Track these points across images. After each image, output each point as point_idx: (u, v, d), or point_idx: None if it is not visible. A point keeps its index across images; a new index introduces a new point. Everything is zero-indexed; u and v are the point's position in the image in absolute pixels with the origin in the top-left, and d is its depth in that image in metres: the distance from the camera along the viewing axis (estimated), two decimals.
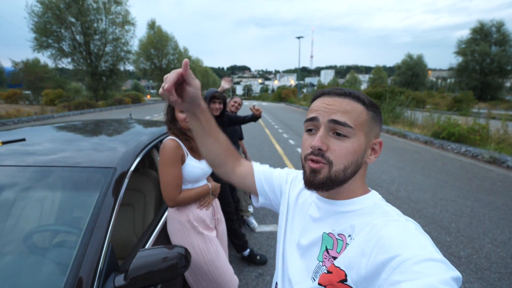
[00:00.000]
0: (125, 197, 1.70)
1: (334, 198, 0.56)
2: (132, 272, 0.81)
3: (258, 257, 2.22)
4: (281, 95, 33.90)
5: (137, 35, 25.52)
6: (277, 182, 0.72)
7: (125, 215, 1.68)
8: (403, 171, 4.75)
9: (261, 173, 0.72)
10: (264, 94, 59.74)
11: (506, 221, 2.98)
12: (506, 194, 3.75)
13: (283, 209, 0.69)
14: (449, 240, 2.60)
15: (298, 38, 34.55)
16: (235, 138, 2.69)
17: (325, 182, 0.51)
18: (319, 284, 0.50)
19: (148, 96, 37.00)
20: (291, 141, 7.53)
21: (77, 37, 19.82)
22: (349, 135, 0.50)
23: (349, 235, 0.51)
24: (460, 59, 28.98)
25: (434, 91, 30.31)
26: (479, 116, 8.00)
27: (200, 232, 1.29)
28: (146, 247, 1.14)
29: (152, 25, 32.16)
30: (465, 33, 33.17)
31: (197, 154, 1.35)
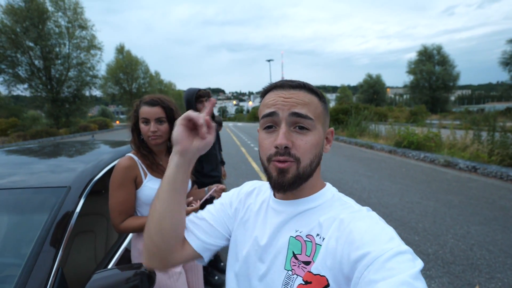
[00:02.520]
0: (86, 222, 1.59)
1: (296, 197, 0.52)
2: None
3: (216, 277, 2.10)
4: (256, 115, 34.87)
5: (104, 60, 24.51)
6: (221, 219, 0.61)
7: (85, 242, 1.53)
8: (372, 179, 5.03)
9: (202, 231, 0.59)
10: (240, 115, 60.67)
11: (463, 217, 3.26)
12: (461, 193, 4.13)
13: (233, 231, 0.61)
14: (417, 239, 2.75)
15: (268, 61, 36.56)
16: (214, 163, 2.19)
17: (294, 180, 0.48)
18: None
19: (118, 122, 35.38)
20: None
21: (36, 62, 18.57)
22: (311, 128, 0.48)
23: (318, 234, 0.48)
24: (411, 77, 32.85)
25: (394, 106, 33.41)
26: (432, 126, 8.95)
27: None
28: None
29: (121, 50, 31.75)
30: (413, 55, 37.93)
31: (160, 173, 1.15)
